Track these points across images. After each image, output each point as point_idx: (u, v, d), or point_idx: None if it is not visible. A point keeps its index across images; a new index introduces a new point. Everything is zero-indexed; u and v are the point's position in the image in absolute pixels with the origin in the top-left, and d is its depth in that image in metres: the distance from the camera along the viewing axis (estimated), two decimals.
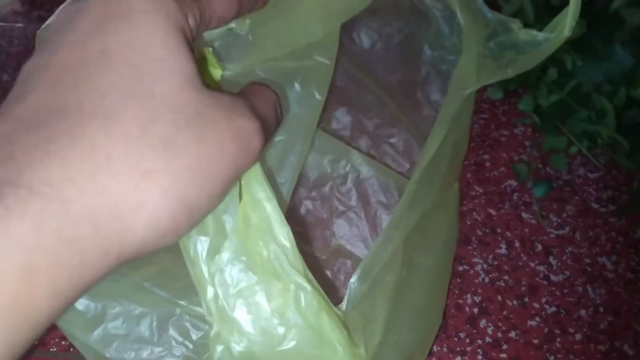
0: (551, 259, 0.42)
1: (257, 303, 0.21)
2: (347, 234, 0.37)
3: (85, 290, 0.16)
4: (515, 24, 0.27)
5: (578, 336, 0.39)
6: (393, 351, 0.27)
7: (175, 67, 0.17)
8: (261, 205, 0.21)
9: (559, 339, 0.38)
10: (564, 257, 0.42)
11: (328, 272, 0.37)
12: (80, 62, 0.16)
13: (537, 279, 0.41)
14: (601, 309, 0.40)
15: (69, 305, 0.15)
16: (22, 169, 0.14)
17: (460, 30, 0.28)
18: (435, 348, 0.38)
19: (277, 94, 0.22)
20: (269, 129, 0.20)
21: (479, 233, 0.44)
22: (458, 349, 0.38)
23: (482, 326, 0.39)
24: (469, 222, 0.44)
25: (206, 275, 0.21)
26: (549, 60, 0.43)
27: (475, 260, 0.42)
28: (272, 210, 0.21)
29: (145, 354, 0.26)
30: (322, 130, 0.38)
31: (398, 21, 0.36)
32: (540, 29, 0.26)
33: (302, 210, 0.38)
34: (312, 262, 0.36)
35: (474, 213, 0.45)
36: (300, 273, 0.21)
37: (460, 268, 0.42)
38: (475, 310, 0.40)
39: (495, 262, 0.42)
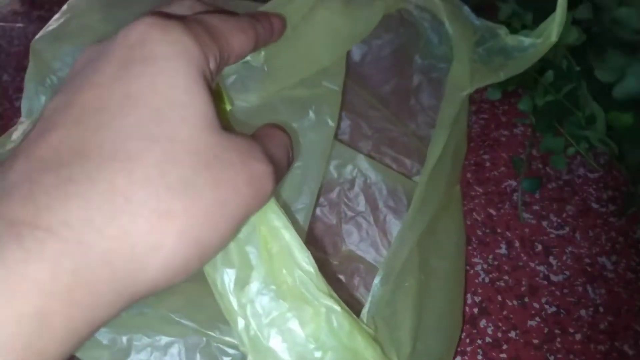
0: (551, 259, 0.42)
1: (290, 330, 0.21)
2: (356, 239, 0.37)
3: (99, 327, 0.16)
4: (502, 30, 0.28)
5: (578, 336, 0.39)
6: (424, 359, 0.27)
7: (196, 111, 0.17)
8: (279, 233, 0.21)
9: (559, 339, 0.38)
10: (564, 257, 0.42)
11: (342, 277, 0.37)
12: (103, 103, 0.17)
13: (537, 279, 0.41)
14: (601, 309, 0.40)
15: (82, 342, 0.16)
16: (41, 209, 0.15)
17: (449, 39, 0.28)
18: None
19: (289, 137, 0.22)
20: (281, 172, 0.21)
21: (479, 233, 0.44)
22: (458, 349, 0.38)
23: (482, 326, 0.39)
24: (469, 222, 0.44)
25: (236, 307, 0.21)
26: (546, 63, 0.43)
27: (475, 260, 0.42)
28: (290, 238, 0.21)
29: None
30: None
31: (388, 34, 0.37)
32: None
33: (312, 218, 0.39)
34: (326, 269, 0.36)
35: (474, 213, 0.45)
36: (327, 295, 0.22)
37: None
38: (475, 310, 0.40)
39: (495, 262, 0.42)
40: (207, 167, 0.17)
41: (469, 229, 0.44)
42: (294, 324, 0.21)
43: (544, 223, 0.44)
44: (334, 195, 0.38)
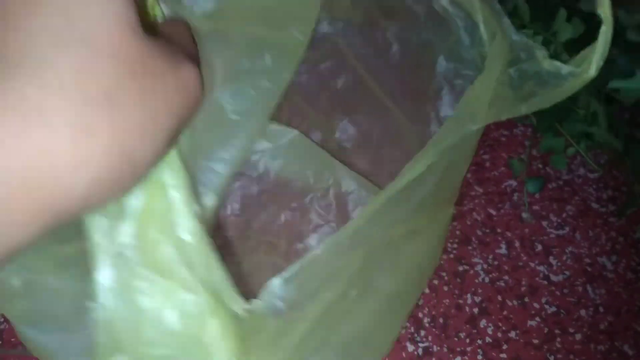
0: (551, 259, 0.42)
1: (135, 299, 0.19)
2: (315, 244, 0.36)
3: (14, 251, 0.15)
4: (541, 52, 0.24)
5: (578, 336, 0.39)
6: None
7: (113, 10, 0.15)
8: (166, 192, 0.19)
9: (559, 339, 0.38)
10: (564, 257, 0.42)
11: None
12: (3, 1, 0.15)
13: (537, 279, 0.41)
14: (601, 309, 0.40)
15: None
16: None
17: (482, 44, 0.25)
18: (435, 348, 0.38)
19: (190, 27, 0.20)
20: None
21: (479, 233, 0.44)
22: (458, 349, 0.38)
23: (482, 326, 0.39)
24: (469, 222, 0.44)
25: (98, 255, 0.20)
26: None
27: (475, 260, 0.42)
28: (177, 200, 0.19)
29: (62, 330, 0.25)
30: (311, 140, 0.37)
31: (415, 26, 0.34)
32: (535, 31, 0.25)
33: (281, 220, 0.37)
34: (274, 266, 0.35)
35: (474, 213, 0.45)
36: (195, 274, 0.20)
37: (460, 268, 0.42)
38: (475, 310, 0.40)
39: (495, 262, 0.42)
40: (132, 77, 0.15)
41: (469, 229, 0.44)
42: (142, 293, 0.19)
43: (544, 223, 0.44)
44: (307, 200, 0.37)
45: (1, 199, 0.13)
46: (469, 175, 0.47)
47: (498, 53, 0.24)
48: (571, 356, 0.38)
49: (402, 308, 0.32)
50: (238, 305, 0.21)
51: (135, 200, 0.19)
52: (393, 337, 0.33)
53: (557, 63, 0.24)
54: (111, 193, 0.16)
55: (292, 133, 0.36)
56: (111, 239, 0.19)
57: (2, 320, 0.40)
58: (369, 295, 0.27)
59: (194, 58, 0.19)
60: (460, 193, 0.45)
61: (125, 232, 0.19)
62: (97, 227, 0.19)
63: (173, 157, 0.20)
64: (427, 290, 0.41)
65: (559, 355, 0.38)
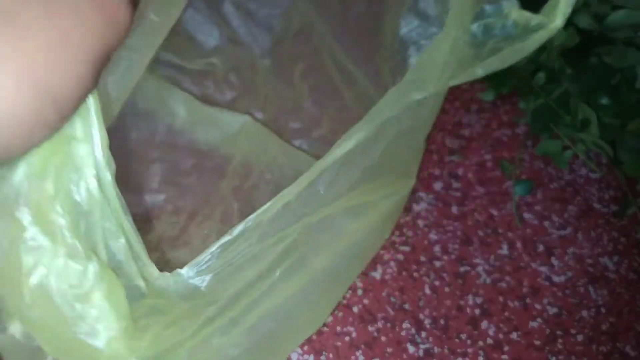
0: (553, 260, 0.42)
1: (21, 258, 0.18)
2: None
3: None
4: (509, 3, 0.22)
5: (580, 337, 0.38)
6: (215, 354, 0.23)
7: None
8: (73, 146, 0.17)
9: (560, 340, 0.38)
10: (566, 258, 0.42)
11: None
12: None
13: (538, 279, 0.41)
14: (603, 310, 0.39)
15: None
16: None
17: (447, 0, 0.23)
18: (436, 350, 0.38)
19: None
20: None
21: (480, 234, 0.43)
22: (459, 350, 0.38)
23: (483, 327, 0.39)
24: (470, 223, 0.44)
25: None
26: (539, 65, 0.43)
27: (477, 261, 0.42)
28: (83, 157, 0.17)
29: None
30: (263, 124, 0.36)
31: None
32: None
33: (216, 198, 0.36)
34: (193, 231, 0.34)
35: (475, 213, 0.44)
36: (90, 241, 0.18)
37: (462, 269, 0.42)
38: (477, 311, 0.40)
39: (497, 263, 0.42)
40: None
41: (470, 229, 0.44)
42: (27, 257, 0.18)
43: (546, 223, 0.44)
44: (250, 179, 0.35)
45: None
46: (470, 176, 0.46)
47: (460, 8, 0.22)
48: (573, 357, 0.38)
49: (335, 288, 0.30)
50: (151, 272, 0.20)
51: (38, 151, 0.17)
52: (320, 318, 0.31)
53: (527, 13, 0.22)
54: (35, 133, 0.14)
55: (242, 119, 0.35)
56: (6, 188, 0.18)
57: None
58: (296, 274, 0.25)
59: None
60: (461, 193, 0.45)
61: (20, 184, 0.18)
62: None
63: (92, 97, 0.17)
64: (427, 292, 0.41)
65: (561, 357, 0.38)
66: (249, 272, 0.23)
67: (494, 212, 0.44)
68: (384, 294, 0.40)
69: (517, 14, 0.22)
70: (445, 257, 0.42)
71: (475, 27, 0.23)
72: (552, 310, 0.40)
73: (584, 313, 0.39)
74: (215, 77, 0.38)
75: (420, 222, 0.44)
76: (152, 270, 0.21)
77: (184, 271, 0.21)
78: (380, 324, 0.39)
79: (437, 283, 0.41)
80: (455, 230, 0.44)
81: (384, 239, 0.33)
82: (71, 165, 0.18)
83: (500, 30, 0.22)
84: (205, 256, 0.21)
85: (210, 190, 0.36)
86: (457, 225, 0.44)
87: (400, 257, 0.42)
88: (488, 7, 0.22)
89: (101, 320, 0.19)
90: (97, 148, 0.18)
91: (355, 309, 0.40)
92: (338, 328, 0.39)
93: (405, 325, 0.39)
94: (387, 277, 0.41)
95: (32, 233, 0.18)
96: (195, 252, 0.21)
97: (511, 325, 0.39)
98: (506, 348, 0.38)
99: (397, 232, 0.43)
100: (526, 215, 0.44)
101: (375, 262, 0.42)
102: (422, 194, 0.46)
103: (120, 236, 0.19)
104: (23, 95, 0.13)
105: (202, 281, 0.21)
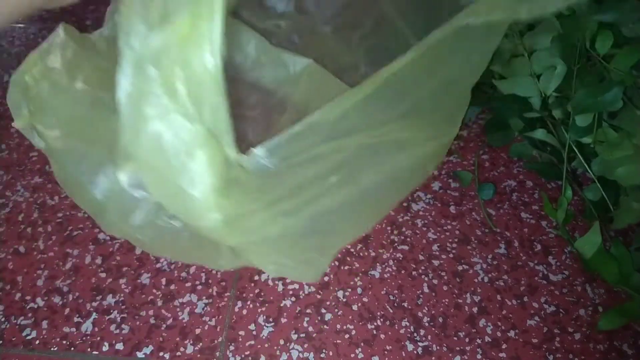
0: (550, 259, 0.42)
1: (143, 110, 0.21)
2: None
3: None
4: None
5: (577, 336, 0.39)
6: (281, 229, 0.27)
7: None
8: (201, 20, 0.20)
9: (558, 339, 0.39)
10: (563, 257, 0.42)
11: None
12: None
13: (536, 278, 0.41)
14: (600, 309, 0.40)
15: None
16: None
17: None
18: (434, 347, 0.38)
19: None
20: None
21: (478, 233, 0.44)
22: (457, 348, 0.38)
23: (481, 325, 0.39)
24: (468, 222, 0.44)
25: (124, 60, 0.20)
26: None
27: (475, 259, 0.42)
28: (210, 31, 0.19)
29: None
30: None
31: None
32: None
33: (276, 130, 0.40)
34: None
35: (473, 213, 0.45)
36: (201, 109, 0.21)
37: (460, 267, 0.42)
38: (475, 309, 0.40)
39: (495, 262, 0.42)
40: None
41: (468, 228, 0.44)
42: (149, 109, 0.21)
43: (543, 223, 0.44)
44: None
45: None
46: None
47: None
48: (570, 355, 0.38)
49: (379, 205, 0.33)
50: (232, 150, 0.22)
51: (176, 19, 0.20)
52: (363, 227, 0.34)
53: None
54: None
55: (306, 61, 0.38)
56: (141, 47, 0.20)
57: (3, 319, 0.40)
58: (347, 185, 0.28)
59: None
60: (459, 193, 0.46)
61: (154, 46, 0.20)
62: (133, 32, 0.20)
63: None
64: (426, 290, 0.41)
65: (558, 355, 0.38)
66: (309, 171, 0.26)
67: (492, 211, 0.45)
68: (383, 292, 0.41)
69: None
70: (443, 256, 0.43)
71: None
72: (550, 309, 0.40)
73: (582, 311, 0.40)
74: (278, 37, 0.42)
75: (419, 222, 0.44)
76: (232, 150, 0.23)
77: (257, 150, 0.24)
78: (379, 322, 0.39)
79: (435, 281, 0.41)
80: (454, 229, 0.44)
81: (427, 173, 0.35)
82: (194, 40, 0.20)
83: None
84: (275, 140, 0.23)
85: (271, 123, 0.39)
86: (455, 225, 0.44)
87: (399, 255, 0.42)
88: None
89: (200, 175, 0.22)
90: (216, 29, 0.20)
91: (354, 307, 0.40)
92: (338, 326, 0.39)
93: (404, 323, 0.39)
94: (386, 275, 0.41)
95: (157, 90, 0.21)
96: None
97: (509, 324, 0.39)
98: (504, 346, 0.38)
99: (395, 231, 0.44)
100: (523, 215, 0.45)
101: (374, 260, 0.42)
102: (420, 194, 0.46)
103: (223, 110, 0.21)
104: None
105: (272, 163, 0.24)
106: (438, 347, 0.38)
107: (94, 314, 0.40)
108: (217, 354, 0.38)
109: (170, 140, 0.21)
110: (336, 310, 0.40)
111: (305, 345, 0.38)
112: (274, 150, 0.24)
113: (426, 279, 0.41)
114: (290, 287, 0.41)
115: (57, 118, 0.27)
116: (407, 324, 0.39)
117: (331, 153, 0.26)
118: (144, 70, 0.20)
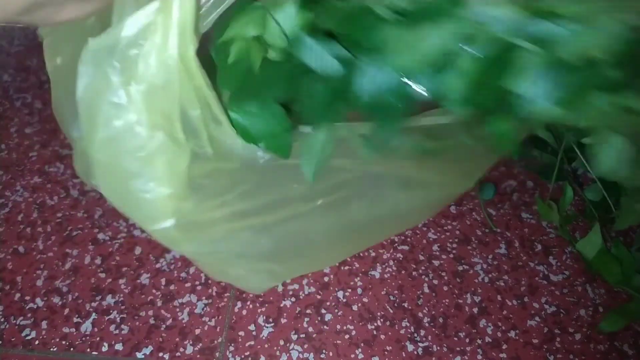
0: (551, 259, 0.42)
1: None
2: None
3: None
4: None
5: (578, 336, 0.39)
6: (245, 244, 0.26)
7: None
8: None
9: (558, 339, 0.38)
10: (564, 257, 0.42)
11: None
12: None
13: (536, 278, 0.41)
14: (601, 309, 0.40)
15: None
16: None
17: None
18: (435, 348, 0.38)
19: None
20: None
21: (479, 233, 0.44)
22: (458, 348, 0.38)
23: (481, 326, 0.39)
24: (468, 222, 0.44)
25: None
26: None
27: (475, 260, 0.42)
28: (170, 23, 0.19)
29: None
30: None
31: None
32: None
33: None
34: None
35: (474, 213, 0.45)
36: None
37: (460, 268, 0.42)
38: (475, 310, 0.40)
39: (495, 262, 0.42)
40: None
41: (468, 229, 0.44)
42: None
43: (544, 223, 0.44)
44: None
45: None
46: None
47: None
48: (571, 356, 0.38)
49: (360, 239, 0.32)
50: (227, 134, 0.21)
51: (138, 13, 0.19)
52: (337, 257, 0.33)
53: None
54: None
55: None
56: (106, 40, 0.19)
57: (2, 319, 0.40)
58: (333, 213, 0.27)
59: None
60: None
61: (117, 41, 0.19)
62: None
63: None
64: (426, 290, 0.41)
65: (559, 355, 0.38)
66: (296, 187, 0.25)
67: (492, 211, 0.45)
68: (383, 292, 0.41)
69: None
70: (443, 256, 0.42)
71: None
72: (550, 309, 0.40)
73: (582, 312, 0.40)
74: None
75: None
76: (231, 131, 0.22)
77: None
78: (379, 322, 0.39)
79: (435, 282, 0.41)
80: (454, 229, 0.44)
81: (417, 223, 0.34)
82: (159, 33, 0.19)
83: None
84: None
85: None
86: (456, 225, 0.44)
87: (399, 256, 0.42)
88: None
89: (156, 180, 0.21)
90: (183, 20, 0.19)
91: (354, 307, 0.40)
92: (338, 326, 0.39)
93: (405, 323, 0.39)
94: (387, 275, 0.41)
95: (116, 90, 0.20)
96: None
97: (509, 324, 0.39)
98: (504, 346, 0.38)
99: None
100: (524, 215, 0.44)
101: (374, 261, 0.42)
102: None
103: (197, 107, 0.21)
104: None
105: (262, 158, 0.23)
106: (438, 348, 0.38)
107: (94, 314, 0.40)
108: (217, 354, 0.38)
109: (124, 146, 0.21)
110: (336, 310, 0.40)
111: (305, 346, 0.38)
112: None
113: (426, 279, 0.41)
114: (290, 287, 0.41)
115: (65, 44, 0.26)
116: (408, 324, 0.39)
117: (331, 172, 0.25)
118: (104, 66, 0.19)
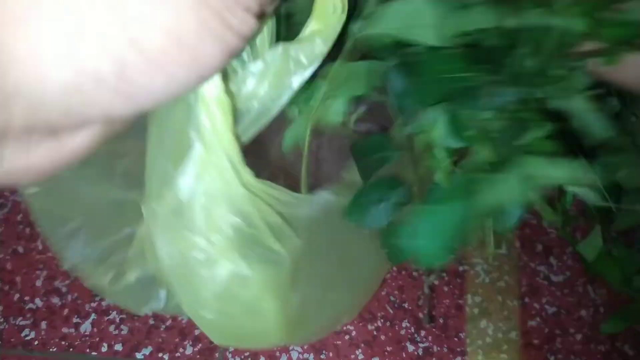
0: (551, 259, 0.42)
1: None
2: None
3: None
4: None
5: (579, 336, 0.39)
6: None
7: None
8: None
9: (559, 339, 0.38)
10: (565, 257, 0.42)
11: None
12: None
13: (537, 279, 0.41)
14: (602, 309, 0.40)
15: None
16: None
17: None
18: (435, 348, 0.38)
19: None
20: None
21: (479, 233, 0.44)
22: (458, 349, 0.38)
23: (482, 326, 0.39)
24: None
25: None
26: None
27: (476, 260, 0.42)
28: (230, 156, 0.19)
29: None
30: None
31: None
32: None
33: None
34: None
35: None
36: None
37: (461, 268, 0.42)
38: (476, 310, 0.40)
39: (496, 263, 0.42)
40: None
41: None
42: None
43: (545, 223, 0.44)
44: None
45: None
46: None
47: None
48: (572, 356, 0.38)
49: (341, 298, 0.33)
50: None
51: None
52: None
53: None
54: (172, 88, 0.15)
55: None
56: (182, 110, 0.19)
57: (1, 320, 0.40)
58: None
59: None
60: None
61: (196, 114, 0.19)
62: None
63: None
64: (427, 291, 0.41)
65: (560, 356, 0.38)
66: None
67: None
68: (383, 292, 0.41)
69: None
70: None
71: None
72: (551, 310, 0.40)
73: (583, 312, 0.40)
74: None
75: None
76: None
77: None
78: (379, 323, 0.39)
79: (436, 282, 0.41)
80: None
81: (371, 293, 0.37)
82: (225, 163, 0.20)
83: None
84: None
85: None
86: None
87: None
88: None
89: (268, 323, 0.24)
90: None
91: None
92: (338, 326, 0.39)
93: (405, 324, 0.39)
94: (387, 276, 0.41)
95: (199, 245, 0.21)
96: None
97: (510, 325, 0.39)
98: (505, 347, 0.38)
99: None
100: (525, 215, 0.44)
101: None
102: None
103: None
104: (169, 48, 0.14)
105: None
106: (439, 348, 0.38)
107: (93, 314, 0.40)
108: (217, 355, 0.38)
109: (229, 290, 0.22)
110: None
111: (305, 346, 0.38)
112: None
113: (427, 279, 0.41)
114: None
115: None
116: (408, 324, 0.39)
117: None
118: (184, 130, 0.19)
